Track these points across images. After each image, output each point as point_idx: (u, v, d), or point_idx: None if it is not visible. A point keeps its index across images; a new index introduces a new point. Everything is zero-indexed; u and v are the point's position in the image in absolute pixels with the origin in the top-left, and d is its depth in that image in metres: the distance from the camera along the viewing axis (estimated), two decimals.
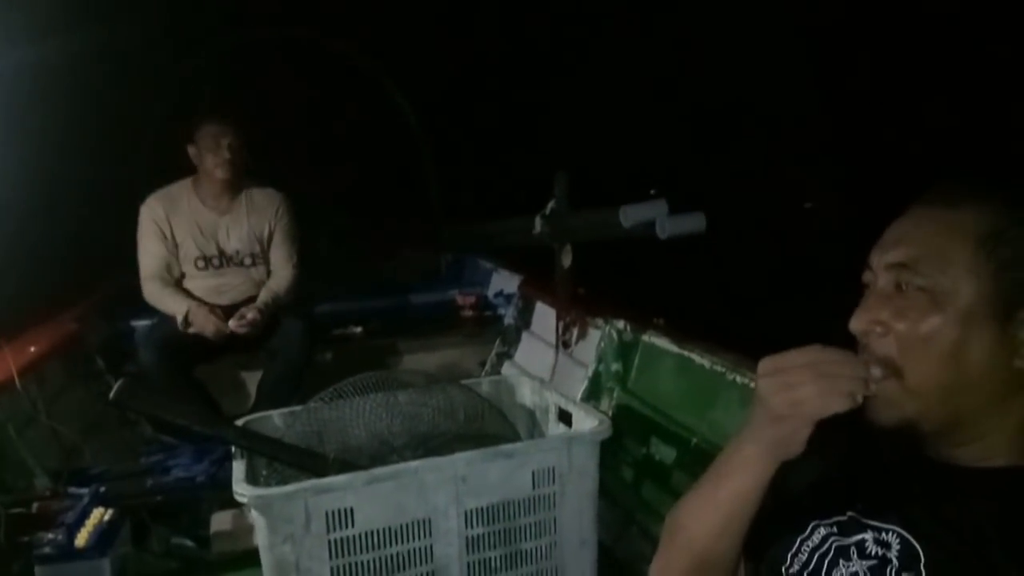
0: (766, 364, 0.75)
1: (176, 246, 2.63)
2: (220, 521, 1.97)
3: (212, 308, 2.57)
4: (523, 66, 4.56)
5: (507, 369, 2.93)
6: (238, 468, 1.38)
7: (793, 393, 0.73)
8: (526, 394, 1.85)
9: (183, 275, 2.66)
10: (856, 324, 0.79)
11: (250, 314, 2.54)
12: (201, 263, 2.65)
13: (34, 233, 2.93)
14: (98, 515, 1.69)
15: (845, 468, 0.87)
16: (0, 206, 2.51)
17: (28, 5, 2.57)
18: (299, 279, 2.77)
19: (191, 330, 2.52)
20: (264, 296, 2.65)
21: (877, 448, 0.87)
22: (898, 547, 0.76)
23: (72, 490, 1.82)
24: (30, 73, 2.66)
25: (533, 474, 1.43)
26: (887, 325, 0.76)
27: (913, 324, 0.75)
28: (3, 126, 2.42)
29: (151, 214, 2.62)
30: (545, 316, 2.82)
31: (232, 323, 2.52)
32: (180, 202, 2.65)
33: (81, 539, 1.60)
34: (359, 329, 3.27)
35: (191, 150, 2.62)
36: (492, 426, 1.68)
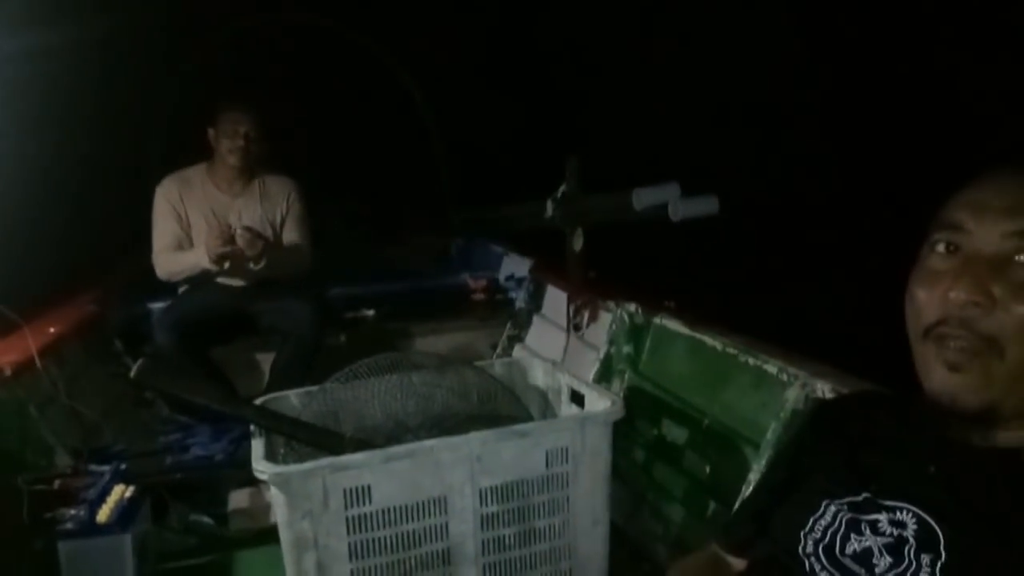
0: None
1: (189, 226, 2.66)
2: (237, 499, 2.00)
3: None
4: (534, 49, 4.53)
5: (518, 352, 2.94)
6: (257, 446, 1.40)
7: None
8: (538, 376, 1.87)
9: None
10: (961, 294, 0.70)
11: (260, 240, 2.53)
12: None
13: (53, 216, 2.96)
14: (119, 492, 1.72)
15: (859, 450, 0.87)
16: (19, 190, 2.54)
17: None
18: (310, 259, 2.81)
19: (216, 263, 2.50)
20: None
21: (891, 428, 0.88)
22: (915, 527, 0.76)
23: (93, 468, 1.85)
24: (45, 59, 2.68)
25: (547, 454, 1.44)
26: (996, 300, 0.70)
27: None
28: (21, 112, 2.44)
29: (165, 195, 2.65)
30: (556, 299, 2.83)
31: (239, 232, 2.52)
32: (194, 185, 2.68)
33: (103, 515, 1.63)
34: (371, 312, 3.29)
35: (211, 132, 2.65)
36: (505, 407, 1.69)
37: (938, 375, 0.73)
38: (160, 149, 3.37)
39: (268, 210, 2.74)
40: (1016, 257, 0.70)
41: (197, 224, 2.66)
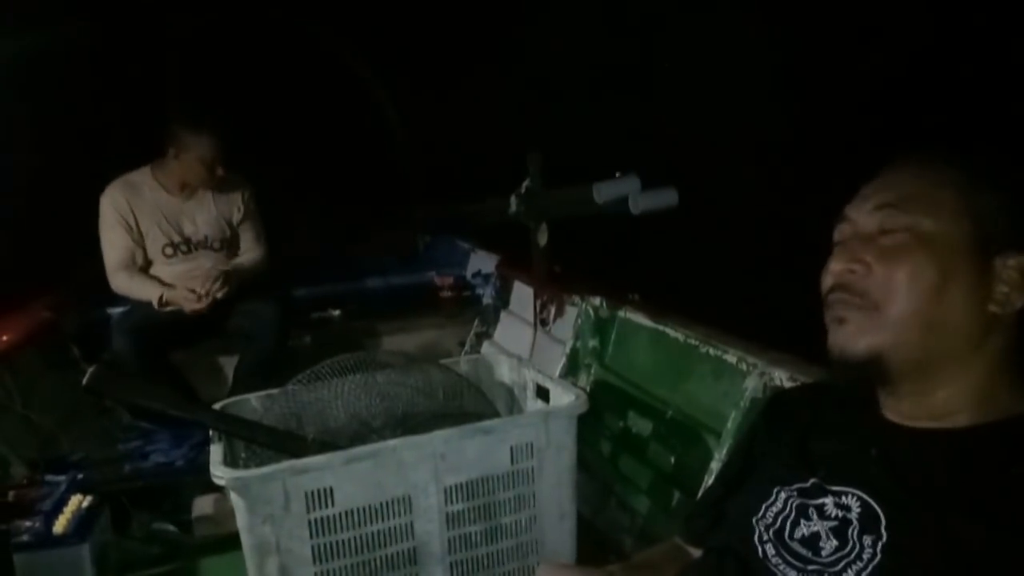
0: None
1: (140, 235, 2.60)
2: (201, 505, 1.97)
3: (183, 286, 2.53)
4: (495, 43, 4.52)
5: (486, 349, 2.94)
6: (216, 451, 1.38)
7: None
8: (504, 372, 1.87)
9: (150, 262, 2.63)
10: (837, 264, 0.81)
11: (214, 280, 2.52)
12: (169, 250, 2.63)
13: (5, 221, 2.88)
14: (76, 502, 1.68)
15: (809, 437, 0.90)
16: None
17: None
18: (268, 258, 2.79)
19: (168, 309, 2.49)
20: (233, 266, 2.67)
21: (837, 414, 0.90)
22: (859, 509, 0.78)
23: (49, 478, 1.81)
24: None
25: (511, 449, 1.44)
26: (868, 265, 0.79)
27: (897, 262, 0.78)
28: None
29: (112, 203, 2.58)
30: (523, 295, 2.84)
31: (204, 288, 2.50)
32: (141, 189, 2.61)
33: (59, 526, 1.60)
34: (337, 312, 3.26)
35: (172, 152, 2.56)
36: (471, 404, 1.69)
37: (831, 332, 0.82)
38: (112, 150, 3.27)
39: (223, 210, 2.69)
40: (883, 227, 0.80)
41: (149, 231, 2.60)
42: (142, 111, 2.64)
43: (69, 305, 2.91)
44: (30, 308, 2.74)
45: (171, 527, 1.97)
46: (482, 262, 3.39)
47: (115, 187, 2.61)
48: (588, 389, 2.09)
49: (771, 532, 0.85)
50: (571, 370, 2.24)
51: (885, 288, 0.77)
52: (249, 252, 2.76)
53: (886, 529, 0.75)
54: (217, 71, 3.91)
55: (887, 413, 0.83)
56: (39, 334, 2.59)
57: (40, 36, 2.85)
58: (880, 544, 0.75)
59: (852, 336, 0.79)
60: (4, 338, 2.34)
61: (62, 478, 1.78)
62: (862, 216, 0.82)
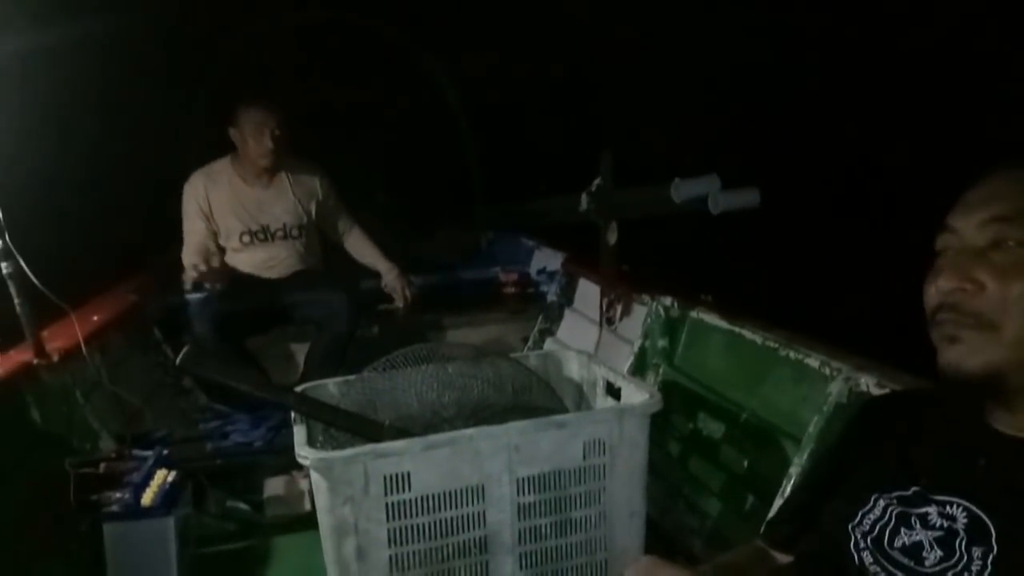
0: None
1: (216, 223, 2.69)
2: (273, 486, 2.03)
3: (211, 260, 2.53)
4: (565, 42, 4.51)
5: (550, 345, 2.95)
6: (299, 433, 1.42)
7: None
8: (573, 368, 1.86)
9: (224, 250, 2.71)
10: (947, 283, 0.77)
11: (408, 292, 2.86)
12: (247, 237, 2.71)
13: (96, 209, 3.03)
14: (162, 476, 1.75)
15: (909, 445, 0.88)
16: (65, 185, 2.60)
17: None
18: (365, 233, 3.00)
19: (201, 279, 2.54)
20: (382, 260, 2.92)
21: (940, 423, 0.87)
22: (965, 520, 0.76)
23: (136, 452, 1.90)
24: (88, 52, 2.73)
25: (584, 445, 1.44)
26: (980, 283, 0.75)
27: (1015, 280, 0.74)
28: (65, 107, 2.49)
29: (193, 192, 2.69)
30: (588, 293, 2.83)
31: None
32: (220, 179, 2.70)
33: (147, 498, 1.67)
34: (403, 305, 3.31)
35: (232, 132, 2.65)
36: (540, 399, 1.69)
37: (942, 350, 0.79)
38: (195, 140, 3.41)
39: (302, 198, 2.77)
40: (995, 242, 0.76)
41: (226, 219, 2.68)
42: (227, 101, 2.72)
43: (152, 289, 3.04)
44: (117, 292, 2.87)
45: (244, 506, 2.04)
46: (547, 259, 3.40)
47: (196, 177, 2.71)
48: (656, 389, 2.07)
49: (869, 540, 0.83)
50: (638, 369, 2.23)
51: (1001, 308, 0.74)
52: (354, 230, 2.95)
53: (997, 541, 0.73)
54: (291, 67, 4.02)
55: (994, 423, 0.80)
56: (125, 316, 2.71)
57: (124, 19, 2.96)
58: (991, 557, 0.73)
59: (967, 355, 0.76)
60: (95, 319, 2.46)
61: (149, 453, 1.86)
62: (969, 229, 0.78)
